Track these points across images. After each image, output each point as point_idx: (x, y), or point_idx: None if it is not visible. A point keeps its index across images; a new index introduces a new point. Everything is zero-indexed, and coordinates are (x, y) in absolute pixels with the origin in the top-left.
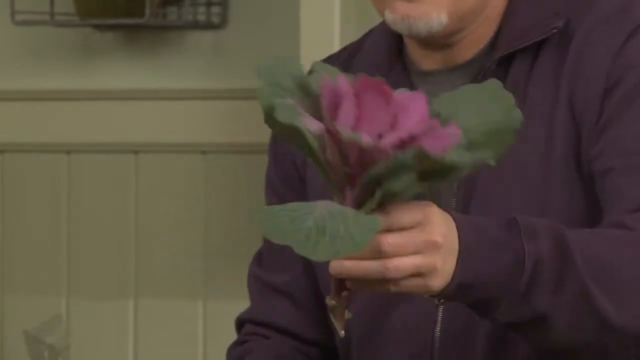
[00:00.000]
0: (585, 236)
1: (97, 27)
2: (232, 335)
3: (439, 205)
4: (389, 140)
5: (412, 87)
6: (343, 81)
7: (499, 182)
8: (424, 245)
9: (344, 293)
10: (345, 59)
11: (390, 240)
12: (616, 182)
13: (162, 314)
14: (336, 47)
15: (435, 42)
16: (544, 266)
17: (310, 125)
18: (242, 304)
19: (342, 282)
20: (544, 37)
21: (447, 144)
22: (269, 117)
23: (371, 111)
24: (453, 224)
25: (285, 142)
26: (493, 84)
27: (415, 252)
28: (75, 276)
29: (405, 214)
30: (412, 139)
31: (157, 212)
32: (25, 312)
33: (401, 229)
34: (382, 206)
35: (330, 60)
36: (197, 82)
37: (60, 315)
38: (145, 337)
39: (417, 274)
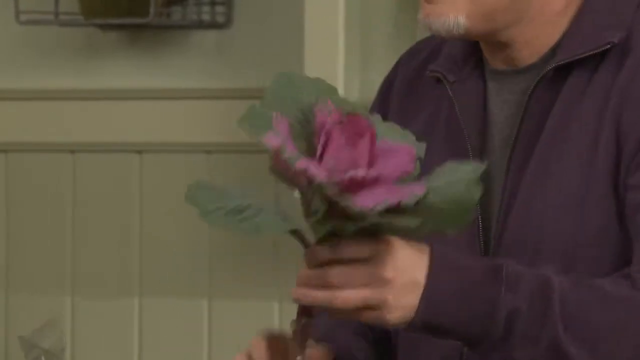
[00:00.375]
0: (576, 292)
1: (101, 26)
2: (237, 334)
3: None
4: (340, 176)
5: (484, 83)
6: (332, 115)
7: (540, 195)
8: (372, 279)
9: (303, 320)
10: (433, 48)
11: (335, 271)
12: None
13: (167, 313)
14: (340, 47)
15: (490, 42)
16: (520, 318)
17: (269, 140)
18: (246, 302)
19: (305, 309)
20: (598, 50)
21: (399, 197)
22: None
23: (337, 144)
24: (421, 260)
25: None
26: (472, 167)
27: (364, 285)
28: (79, 275)
29: (353, 248)
30: (358, 181)
31: (161, 211)
32: (29, 311)
33: (350, 261)
34: (334, 239)
35: (420, 47)
36: (202, 81)
37: (55, 319)
38: (149, 336)
39: (369, 307)
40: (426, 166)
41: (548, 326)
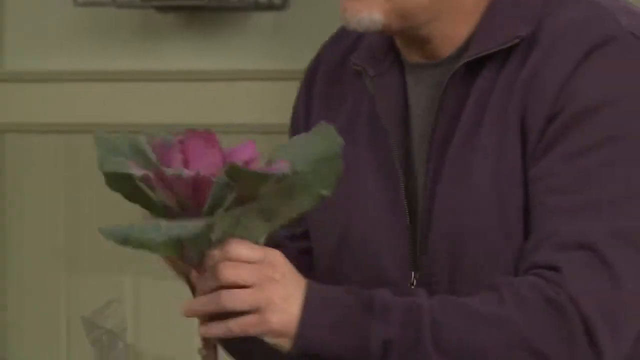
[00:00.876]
0: (446, 315)
1: (158, 8)
2: None
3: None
4: (210, 171)
5: (404, 76)
6: (171, 137)
7: (458, 191)
8: (260, 276)
9: (205, 352)
10: (351, 43)
11: (227, 265)
12: (536, 220)
13: None
14: None
15: (407, 37)
16: (393, 347)
17: (136, 171)
18: None
19: (206, 339)
20: (506, 46)
21: (280, 168)
22: (106, 177)
23: (197, 155)
24: (300, 285)
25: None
26: (320, 125)
27: (252, 285)
28: (140, 255)
29: (244, 248)
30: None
31: None
32: (91, 292)
33: (239, 261)
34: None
35: (344, 32)
36: (258, 63)
37: (117, 299)
38: None
39: (256, 310)
40: (351, 159)
41: (422, 352)
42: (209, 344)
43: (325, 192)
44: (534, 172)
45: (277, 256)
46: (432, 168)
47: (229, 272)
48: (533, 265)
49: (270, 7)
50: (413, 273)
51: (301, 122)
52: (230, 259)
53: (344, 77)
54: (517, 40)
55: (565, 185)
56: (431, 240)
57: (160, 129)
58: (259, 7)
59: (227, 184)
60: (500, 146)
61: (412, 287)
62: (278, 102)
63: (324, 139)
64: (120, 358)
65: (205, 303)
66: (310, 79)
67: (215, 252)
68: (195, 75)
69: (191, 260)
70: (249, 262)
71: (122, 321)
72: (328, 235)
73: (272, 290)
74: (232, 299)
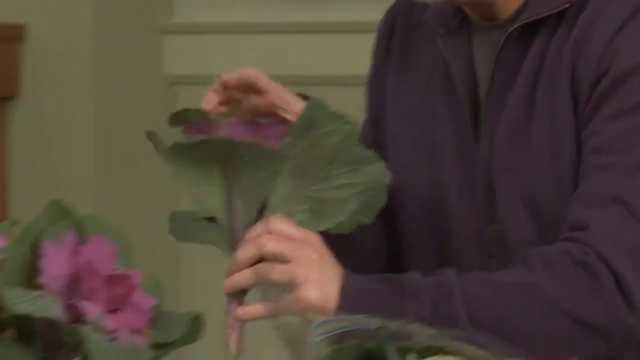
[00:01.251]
0: (476, 290)
1: None
2: None
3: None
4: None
5: (470, 36)
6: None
7: (517, 151)
8: (300, 254)
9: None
10: (423, 3)
11: (269, 237)
12: (579, 180)
13: None
14: None
15: (472, 2)
16: (429, 325)
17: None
18: None
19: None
20: (557, 10)
21: None
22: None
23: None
24: (337, 266)
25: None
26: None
27: (291, 260)
28: None
29: (287, 225)
30: None
31: None
32: None
33: (281, 235)
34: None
35: (410, 2)
36: None
37: None
38: None
39: (292, 287)
40: (429, 119)
41: (458, 328)
42: (236, 325)
43: (366, 220)
44: (583, 135)
45: (317, 239)
46: (490, 128)
47: (271, 244)
48: (568, 226)
49: None
50: (488, 228)
51: (379, 79)
52: (273, 233)
53: (418, 37)
54: (567, 5)
55: (604, 143)
56: (497, 194)
57: (323, 81)
58: None
59: (301, 131)
60: (553, 109)
61: (489, 241)
62: None
63: (373, 170)
64: (289, 311)
65: (245, 275)
66: (388, 38)
67: (259, 225)
68: (361, 27)
69: (238, 236)
70: (290, 239)
71: None
72: (413, 190)
73: (310, 267)
74: (272, 270)
